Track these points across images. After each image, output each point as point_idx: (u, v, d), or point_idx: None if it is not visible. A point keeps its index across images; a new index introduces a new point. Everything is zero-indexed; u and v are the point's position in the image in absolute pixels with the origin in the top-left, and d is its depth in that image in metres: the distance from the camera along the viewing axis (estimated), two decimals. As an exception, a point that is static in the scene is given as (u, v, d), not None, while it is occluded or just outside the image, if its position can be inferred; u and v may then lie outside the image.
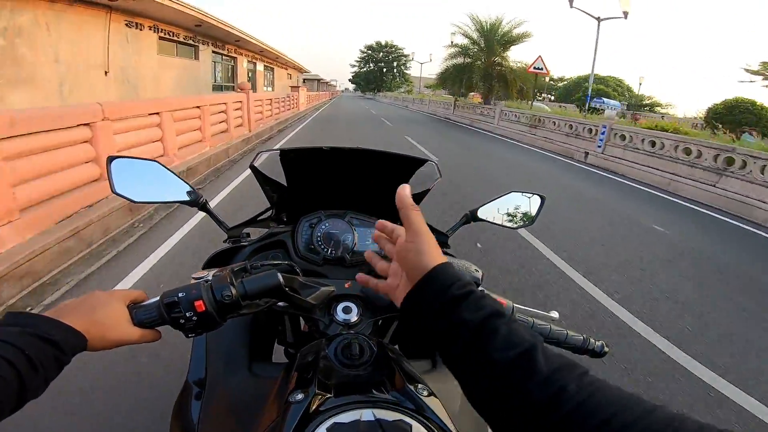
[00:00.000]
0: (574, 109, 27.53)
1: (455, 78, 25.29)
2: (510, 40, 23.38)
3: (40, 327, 0.45)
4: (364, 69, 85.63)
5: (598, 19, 15.42)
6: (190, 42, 16.75)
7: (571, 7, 15.44)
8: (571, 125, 13.34)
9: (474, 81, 23.23)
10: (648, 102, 54.66)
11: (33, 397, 0.43)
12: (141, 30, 13.19)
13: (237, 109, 9.97)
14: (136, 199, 0.87)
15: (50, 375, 0.45)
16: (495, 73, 23.66)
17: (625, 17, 14.85)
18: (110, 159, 0.85)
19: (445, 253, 0.94)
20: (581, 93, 20.06)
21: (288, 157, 0.98)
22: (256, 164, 0.97)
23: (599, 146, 11.64)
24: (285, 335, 1.02)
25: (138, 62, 13.24)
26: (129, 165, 0.88)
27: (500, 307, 0.43)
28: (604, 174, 9.93)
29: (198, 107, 7.11)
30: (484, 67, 23.33)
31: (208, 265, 0.93)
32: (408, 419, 0.50)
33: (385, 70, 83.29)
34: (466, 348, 0.41)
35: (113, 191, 0.84)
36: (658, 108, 53.16)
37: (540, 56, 17.78)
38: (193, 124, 6.98)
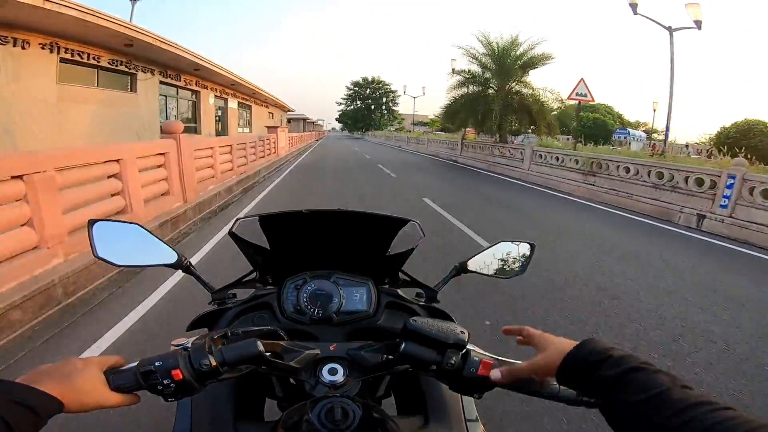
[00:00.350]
0: (566, 142, 23.85)
1: (468, 110, 20.26)
2: (529, 63, 18.61)
3: (17, 394, 0.47)
4: (351, 107, 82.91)
5: (670, 29, 11.77)
6: (122, 68, 12.42)
7: (635, 14, 11.84)
8: (661, 173, 9.22)
9: (494, 113, 18.27)
10: (644, 129, 52.02)
11: None
12: (24, 48, 8.93)
13: (158, 167, 5.91)
14: (119, 263, 0.87)
15: None
16: (515, 103, 19.17)
17: (699, 27, 11.18)
18: (91, 222, 0.85)
19: (433, 308, 1.03)
20: (576, 123, 18.00)
21: (268, 221, 0.98)
22: (235, 231, 0.97)
23: (724, 205, 7.61)
24: (275, 390, 1.00)
25: (17, 94, 8.88)
26: (110, 228, 0.88)
27: (636, 363, 0.49)
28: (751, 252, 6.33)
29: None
30: (502, 96, 18.81)
31: (192, 327, 0.94)
32: None
33: (373, 107, 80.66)
34: (615, 391, 0.48)
35: (95, 256, 0.84)
36: (655, 134, 51.57)
37: (582, 79, 13.97)
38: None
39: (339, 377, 0.80)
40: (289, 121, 66.18)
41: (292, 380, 0.92)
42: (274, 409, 0.98)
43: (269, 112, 35.42)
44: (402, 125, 71.41)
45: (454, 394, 0.87)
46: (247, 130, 25.93)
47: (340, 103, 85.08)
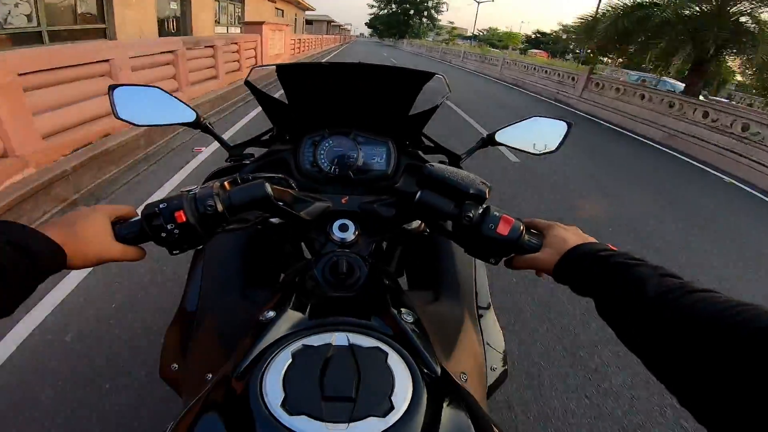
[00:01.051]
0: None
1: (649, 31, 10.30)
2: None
3: (17, 235, 0.43)
4: (385, 11, 70.49)
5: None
6: None
7: None
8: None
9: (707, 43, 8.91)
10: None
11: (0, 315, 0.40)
12: None
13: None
14: (139, 123, 0.88)
15: (19, 292, 0.42)
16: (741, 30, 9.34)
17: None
18: (111, 87, 0.85)
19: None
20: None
21: (286, 73, 0.91)
22: (250, 79, 0.93)
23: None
24: (288, 262, 1.00)
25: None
26: (131, 92, 0.87)
27: (621, 259, 0.50)
28: None
29: None
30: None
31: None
32: (384, 346, 0.47)
33: (411, 11, 67.85)
34: (601, 290, 0.50)
35: (116, 117, 0.85)
36: None
37: None
38: None
39: (350, 234, 0.79)
40: (309, 22, 55.81)
41: (306, 250, 0.93)
42: None
43: (277, 8, 25.73)
44: (451, 35, 58.46)
45: (468, 274, 0.90)
46: (236, 30, 16.92)
47: (373, 6, 72.87)
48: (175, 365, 0.79)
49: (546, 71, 15.76)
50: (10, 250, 0.41)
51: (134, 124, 0.88)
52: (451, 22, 76.87)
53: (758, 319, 0.34)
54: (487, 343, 0.83)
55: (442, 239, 0.96)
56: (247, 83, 0.93)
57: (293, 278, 0.65)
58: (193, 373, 0.73)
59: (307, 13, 42.44)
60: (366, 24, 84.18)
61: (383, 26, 72.38)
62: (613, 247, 0.55)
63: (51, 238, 0.46)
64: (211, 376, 0.65)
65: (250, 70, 0.98)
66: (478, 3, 37.38)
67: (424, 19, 69.15)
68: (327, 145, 0.97)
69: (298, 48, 17.71)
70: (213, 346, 0.73)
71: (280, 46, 13.18)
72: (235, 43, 8.35)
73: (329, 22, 63.56)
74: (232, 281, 0.84)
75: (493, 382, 0.80)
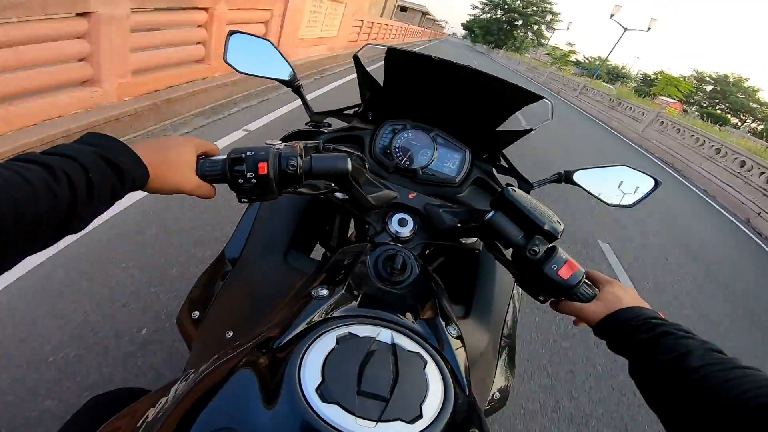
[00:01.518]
0: None
1: None
2: None
3: (113, 151, 0.44)
4: (488, 15, 63.23)
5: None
6: None
7: None
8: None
9: None
10: None
11: (74, 231, 0.40)
12: None
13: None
14: (241, 70, 0.90)
15: (101, 207, 0.43)
16: None
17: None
18: (230, 33, 0.89)
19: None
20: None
21: (394, 56, 0.87)
22: (359, 54, 0.92)
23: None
24: (330, 237, 1.00)
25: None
26: (245, 41, 0.91)
27: (670, 329, 0.50)
28: None
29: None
30: None
31: (284, 141, 0.83)
32: (425, 354, 0.46)
33: (519, 23, 59.90)
34: (643, 354, 0.50)
35: (224, 60, 0.88)
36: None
37: None
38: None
39: (407, 230, 0.78)
40: (403, 9, 50.87)
41: (352, 228, 0.98)
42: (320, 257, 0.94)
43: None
44: (564, 58, 49.64)
45: (503, 300, 0.88)
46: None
47: (476, 7, 65.40)
48: (197, 312, 0.79)
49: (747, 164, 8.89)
50: (105, 167, 0.41)
51: (237, 70, 0.90)
52: (571, 44, 65.15)
53: None
54: (499, 374, 0.84)
55: (488, 260, 0.93)
56: (355, 57, 0.92)
57: (346, 259, 0.64)
58: (212, 326, 0.72)
59: None
60: (462, 25, 77.70)
61: (481, 30, 64.27)
62: (663, 316, 0.54)
63: (141, 159, 0.46)
64: (231, 333, 0.65)
65: (363, 46, 0.98)
66: (625, 30, 25.30)
67: (530, 34, 61.81)
68: (405, 135, 0.94)
69: (367, 33, 13.07)
70: (241, 304, 0.72)
71: (330, 26, 8.55)
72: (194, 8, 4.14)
73: (425, 13, 58.28)
74: (278, 241, 0.84)
75: (491, 407, 0.84)
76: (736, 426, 0.37)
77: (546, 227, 0.60)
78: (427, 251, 0.97)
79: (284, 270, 0.78)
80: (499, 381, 0.84)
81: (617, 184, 0.92)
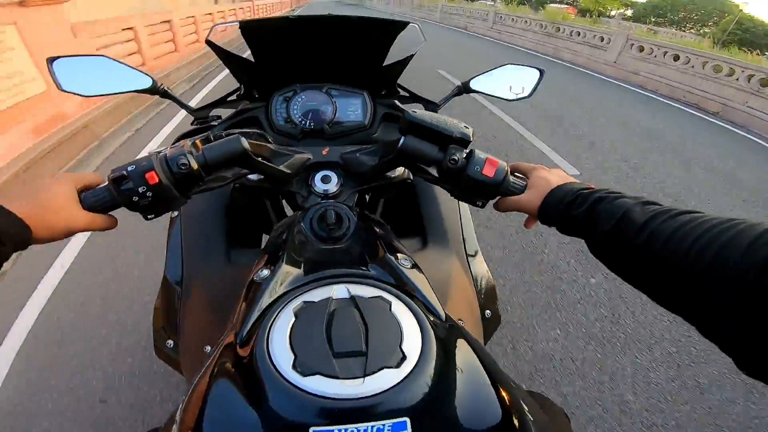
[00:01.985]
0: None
1: None
2: None
3: None
4: None
5: None
6: None
7: None
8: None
9: None
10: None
11: None
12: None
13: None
14: (86, 94, 0.81)
15: None
16: None
17: None
18: (50, 60, 0.77)
19: None
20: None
21: (250, 29, 0.84)
22: (211, 38, 0.85)
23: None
24: (271, 222, 0.97)
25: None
26: (74, 63, 0.80)
27: (600, 194, 0.50)
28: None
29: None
30: None
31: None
32: (387, 295, 0.45)
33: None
34: (582, 226, 0.50)
35: (60, 89, 0.79)
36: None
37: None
38: None
39: (333, 185, 0.77)
40: None
41: (287, 208, 0.93)
42: None
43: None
44: None
45: (454, 219, 0.90)
46: None
47: None
48: (170, 341, 0.77)
49: None
50: None
51: (82, 95, 0.81)
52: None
53: (744, 235, 0.34)
54: (478, 290, 0.84)
55: (425, 186, 0.95)
56: (208, 42, 0.85)
57: (281, 235, 0.63)
58: (190, 347, 0.70)
59: None
60: None
61: None
62: (593, 187, 0.54)
63: (15, 213, 0.43)
64: (210, 348, 0.63)
65: (211, 29, 0.88)
66: None
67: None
68: (299, 100, 0.93)
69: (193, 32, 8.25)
70: (205, 317, 0.70)
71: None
72: None
73: None
74: (215, 245, 0.81)
75: (488, 327, 0.82)
76: (692, 274, 0.36)
77: (456, 135, 0.60)
78: (367, 197, 1.01)
79: (231, 270, 0.76)
80: (485, 299, 0.83)
81: (510, 82, 0.97)
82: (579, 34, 11.50)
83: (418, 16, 24.78)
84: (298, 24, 0.83)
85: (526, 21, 14.04)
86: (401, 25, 0.86)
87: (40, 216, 0.45)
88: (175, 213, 0.88)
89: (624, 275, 0.46)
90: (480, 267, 0.87)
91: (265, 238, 0.99)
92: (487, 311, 0.82)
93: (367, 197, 1.00)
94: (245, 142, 0.56)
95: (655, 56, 9.01)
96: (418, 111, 0.63)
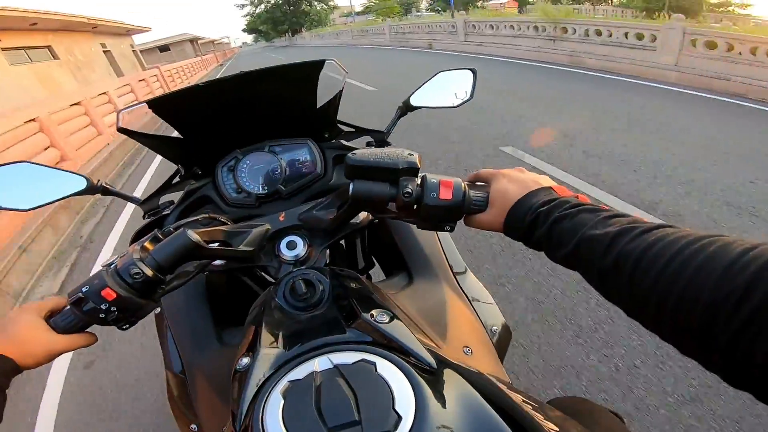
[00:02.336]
0: None
1: None
2: None
3: None
4: (261, 6, 54.94)
5: None
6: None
7: None
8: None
9: None
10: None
11: None
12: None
13: None
14: (25, 207, 0.76)
15: None
16: None
17: None
18: None
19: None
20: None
21: (161, 107, 0.79)
22: (123, 125, 0.78)
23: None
24: (254, 295, 0.94)
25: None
26: None
27: (560, 212, 0.46)
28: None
29: None
30: None
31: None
32: (370, 356, 0.44)
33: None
34: (545, 247, 0.47)
35: None
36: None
37: None
38: None
39: (300, 249, 0.75)
40: (165, 48, 39.92)
41: (260, 273, 0.88)
42: None
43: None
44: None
45: (433, 245, 0.88)
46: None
47: (243, 5, 56.52)
48: (194, 426, 0.76)
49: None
50: None
51: (21, 210, 0.76)
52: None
53: (722, 254, 0.31)
54: (476, 307, 0.81)
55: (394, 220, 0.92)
56: (120, 130, 0.78)
57: (256, 315, 0.62)
58: (212, 428, 0.71)
59: (155, 37, 26.96)
60: (244, 30, 67.79)
61: (267, 25, 55.69)
62: (559, 190, 0.51)
63: None
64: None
65: (117, 115, 0.81)
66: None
67: (315, 2, 54.42)
68: (245, 166, 0.90)
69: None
70: (215, 400, 0.71)
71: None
72: None
73: (193, 40, 46.71)
74: (205, 331, 0.79)
75: (500, 343, 0.79)
76: (666, 300, 0.33)
77: (402, 166, 0.56)
78: (342, 244, 0.98)
79: (227, 351, 0.74)
80: (484, 315, 0.80)
81: (448, 89, 0.97)
82: (601, 33, 8.37)
83: (365, 43, 22.01)
84: (210, 90, 0.80)
85: (512, 26, 10.80)
86: (318, 64, 0.83)
87: (19, 349, 0.47)
88: (158, 310, 0.85)
89: (595, 287, 0.42)
90: (473, 285, 0.85)
91: None
92: (493, 327, 0.79)
93: (342, 244, 0.99)
94: (192, 235, 0.54)
95: (738, 52, 6.07)
96: (357, 151, 0.59)
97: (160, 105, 0.78)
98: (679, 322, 0.32)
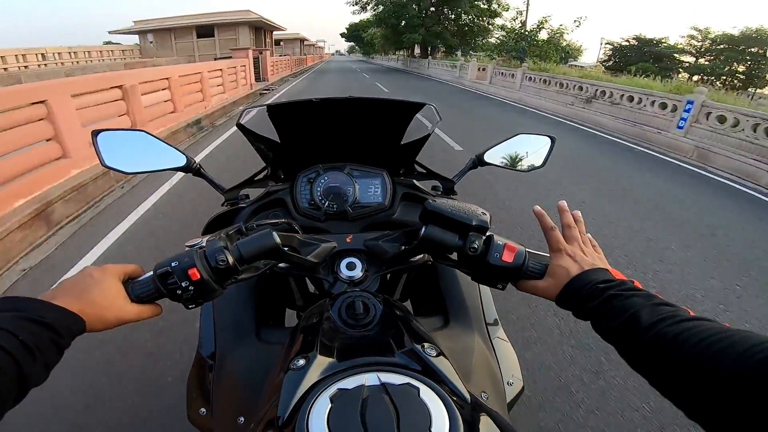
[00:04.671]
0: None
1: None
2: None
3: (33, 311, 0.44)
4: (380, 8, 36.06)
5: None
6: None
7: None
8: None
9: None
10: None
11: (35, 384, 0.42)
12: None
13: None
14: (128, 171, 0.85)
15: (50, 359, 0.43)
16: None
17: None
18: (95, 133, 0.81)
19: (451, 198, 1.01)
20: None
21: (277, 112, 0.91)
22: (242, 122, 0.90)
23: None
24: (294, 299, 1.00)
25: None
26: (115, 137, 0.84)
27: (615, 290, 0.51)
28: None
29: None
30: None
31: (206, 231, 0.89)
32: (415, 382, 0.47)
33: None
34: (598, 319, 0.51)
35: (103, 165, 0.82)
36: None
37: None
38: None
39: (358, 272, 0.80)
40: (278, 43, 45.84)
41: (310, 284, 0.95)
42: (294, 320, 0.92)
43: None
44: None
45: (473, 295, 0.91)
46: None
47: (355, 2, 37.60)
48: (203, 409, 0.80)
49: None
50: (33, 327, 0.42)
51: (123, 172, 0.84)
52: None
53: (739, 344, 0.37)
54: (500, 359, 0.84)
55: (444, 266, 0.94)
56: (239, 125, 0.90)
57: (312, 321, 0.66)
58: (223, 416, 0.73)
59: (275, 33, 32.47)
60: (343, 35, 60.87)
61: (385, 30, 37.64)
62: (615, 273, 0.56)
63: (68, 309, 0.46)
64: (243, 419, 0.67)
65: (241, 112, 0.94)
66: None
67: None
68: (322, 181, 0.96)
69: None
70: (238, 390, 0.73)
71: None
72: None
73: (302, 40, 53.48)
74: (245, 323, 0.83)
75: (512, 397, 0.82)
76: (691, 371, 0.39)
77: (474, 223, 0.62)
78: (388, 277, 0.98)
79: (262, 349, 0.78)
80: (505, 367, 0.84)
81: (522, 152, 0.99)
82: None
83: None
84: (321, 106, 0.89)
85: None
86: (418, 107, 0.91)
87: (92, 310, 0.48)
88: None
89: (627, 359, 0.48)
90: (500, 337, 0.89)
91: (288, 313, 1.05)
92: (509, 380, 0.83)
93: (388, 277, 1.01)
94: (277, 237, 0.60)
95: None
96: (437, 200, 0.66)
97: (276, 109, 0.88)
98: (699, 389, 0.38)
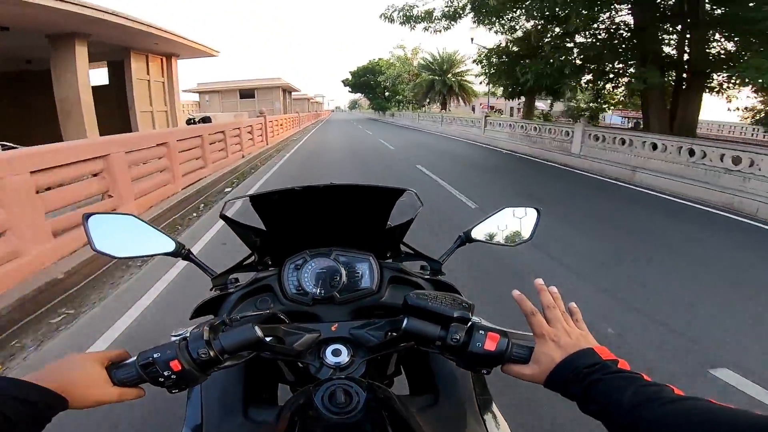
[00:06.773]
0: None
1: None
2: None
3: (16, 390, 0.47)
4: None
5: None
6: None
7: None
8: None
9: None
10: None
11: None
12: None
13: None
14: (118, 255, 0.86)
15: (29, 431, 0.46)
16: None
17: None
18: (86, 216, 0.83)
19: (438, 281, 1.01)
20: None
21: (260, 201, 0.95)
22: (226, 213, 0.95)
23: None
24: (283, 377, 1.00)
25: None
26: (106, 221, 0.87)
27: (599, 375, 0.52)
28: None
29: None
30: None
31: (195, 315, 0.92)
32: None
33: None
34: (582, 403, 0.53)
35: (93, 249, 0.83)
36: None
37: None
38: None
39: (343, 358, 0.80)
40: (251, 95, 35.83)
41: (300, 363, 0.90)
42: (288, 394, 0.93)
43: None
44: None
45: (465, 375, 0.88)
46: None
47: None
48: None
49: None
50: (15, 403, 0.45)
51: (112, 257, 0.85)
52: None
53: (723, 426, 0.38)
54: None
55: None
56: (222, 217, 0.93)
57: (297, 404, 0.66)
58: None
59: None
60: (346, 83, 53.24)
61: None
62: (601, 351, 0.56)
63: (49, 389, 0.49)
64: None
65: (224, 204, 1.03)
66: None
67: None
68: (309, 267, 0.96)
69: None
70: None
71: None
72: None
73: (286, 89, 40.99)
74: (233, 401, 0.83)
75: None
76: None
77: (456, 315, 0.64)
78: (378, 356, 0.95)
79: (249, 429, 0.79)
80: None
81: (509, 225, 1.02)
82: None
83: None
84: (304, 194, 0.94)
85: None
86: (399, 192, 0.97)
87: (74, 391, 0.52)
88: None
89: None
90: (493, 416, 0.86)
91: (281, 388, 1.02)
92: None
93: (379, 356, 0.96)
94: (258, 331, 0.62)
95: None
96: (418, 292, 0.69)
97: (258, 199, 0.92)
98: None
